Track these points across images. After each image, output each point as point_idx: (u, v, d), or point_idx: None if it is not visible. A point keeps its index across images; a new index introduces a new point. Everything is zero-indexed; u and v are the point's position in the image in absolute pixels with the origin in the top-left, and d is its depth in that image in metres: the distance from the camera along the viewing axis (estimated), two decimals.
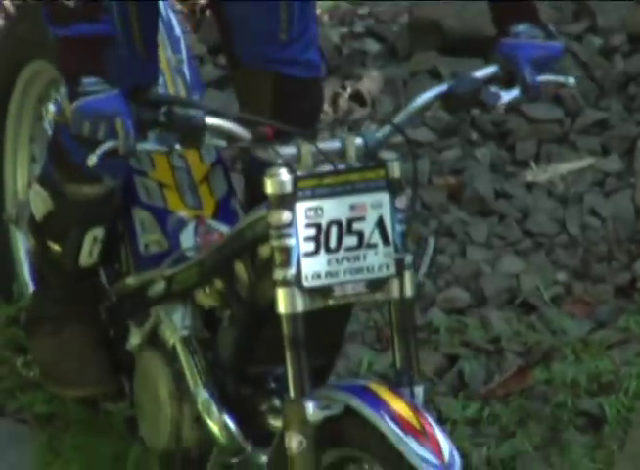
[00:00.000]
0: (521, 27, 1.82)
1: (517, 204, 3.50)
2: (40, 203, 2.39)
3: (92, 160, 1.71)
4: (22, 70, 3.01)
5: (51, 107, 2.90)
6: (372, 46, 4.44)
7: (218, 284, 2.06)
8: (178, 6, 2.75)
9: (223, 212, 2.47)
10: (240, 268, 1.93)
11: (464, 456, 2.67)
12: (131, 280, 2.26)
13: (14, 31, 3.19)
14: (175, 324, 2.15)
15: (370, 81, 4.06)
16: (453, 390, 2.81)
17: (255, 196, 2.10)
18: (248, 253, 1.95)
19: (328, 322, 1.89)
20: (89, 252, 2.32)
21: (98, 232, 2.31)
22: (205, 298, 2.02)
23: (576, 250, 3.31)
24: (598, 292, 3.12)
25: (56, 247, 2.35)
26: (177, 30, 2.53)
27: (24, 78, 3.03)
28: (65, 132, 1.94)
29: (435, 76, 4.15)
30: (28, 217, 2.49)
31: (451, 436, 2.67)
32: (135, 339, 2.24)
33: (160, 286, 2.15)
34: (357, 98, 3.89)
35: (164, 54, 2.44)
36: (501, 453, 2.57)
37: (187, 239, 2.29)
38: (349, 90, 3.98)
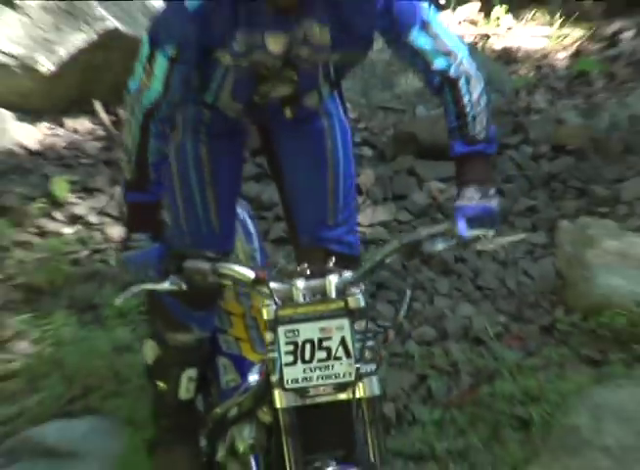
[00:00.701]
0: (467, 191, 1.69)
1: (470, 266, 3.49)
2: (150, 351, 2.34)
3: (119, 300, 1.73)
4: None
5: None
6: (367, 151, 4.45)
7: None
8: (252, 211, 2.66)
9: None
10: None
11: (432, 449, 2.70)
12: (217, 409, 2.21)
13: None
14: (244, 437, 2.08)
15: (365, 177, 4.07)
16: (423, 400, 2.79)
17: None
18: None
19: (332, 418, 1.72)
20: (186, 388, 2.28)
21: (192, 372, 2.28)
22: (264, 415, 1.95)
23: (513, 299, 3.29)
24: (528, 330, 3.04)
25: (161, 384, 2.30)
26: (251, 228, 2.52)
27: None
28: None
29: (413, 174, 4.16)
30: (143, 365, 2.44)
31: (421, 434, 2.71)
32: (221, 452, 2.18)
33: (233, 411, 2.12)
34: (356, 189, 3.92)
35: (240, 244, 2.44)
36: (458, 447, 2.54)
37: (254, 375, 2.24)
38: None
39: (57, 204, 3.91)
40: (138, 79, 1.71)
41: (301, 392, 1.60)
